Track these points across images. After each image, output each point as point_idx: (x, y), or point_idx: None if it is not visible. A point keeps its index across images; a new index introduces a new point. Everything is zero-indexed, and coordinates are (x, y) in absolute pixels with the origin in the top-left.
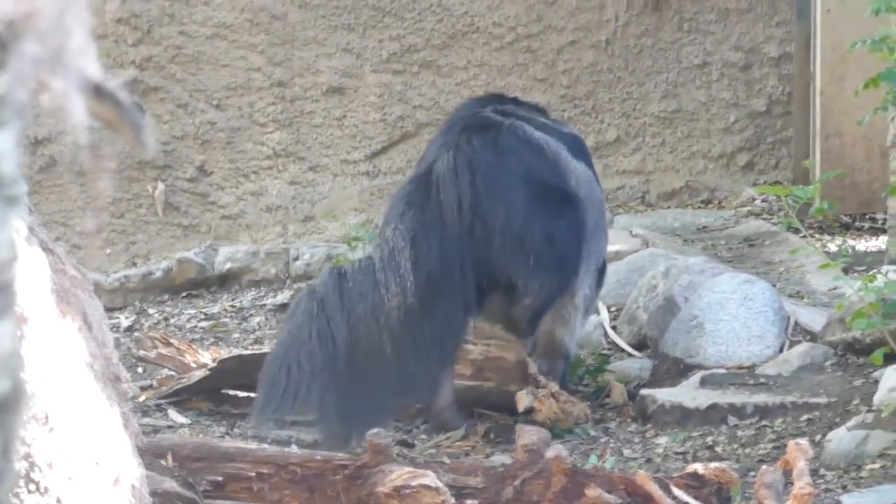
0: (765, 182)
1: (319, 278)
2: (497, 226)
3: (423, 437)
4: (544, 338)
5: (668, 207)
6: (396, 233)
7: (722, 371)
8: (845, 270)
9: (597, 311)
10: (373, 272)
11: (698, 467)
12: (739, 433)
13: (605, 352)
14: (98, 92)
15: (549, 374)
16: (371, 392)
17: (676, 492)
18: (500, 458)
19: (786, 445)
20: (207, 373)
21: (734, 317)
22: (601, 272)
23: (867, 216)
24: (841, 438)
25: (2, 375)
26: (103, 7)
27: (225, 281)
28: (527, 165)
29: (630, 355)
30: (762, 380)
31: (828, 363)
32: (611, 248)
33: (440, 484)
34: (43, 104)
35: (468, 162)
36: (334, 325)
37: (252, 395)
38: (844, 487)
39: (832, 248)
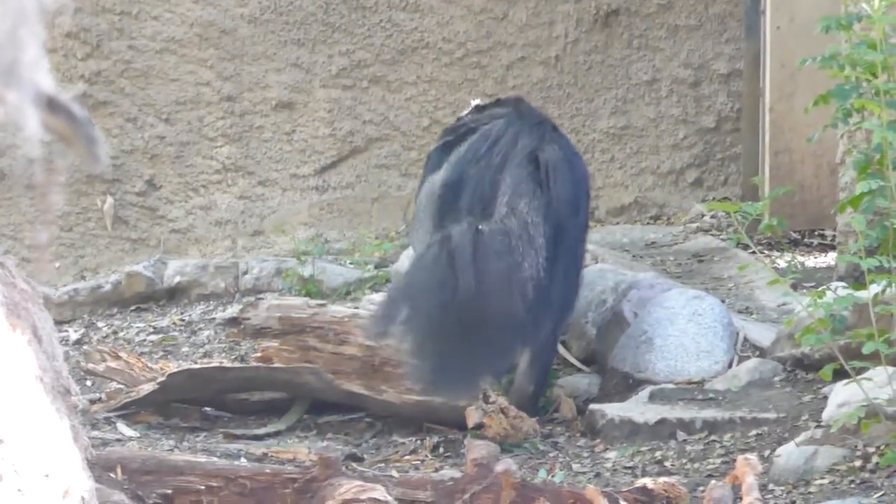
0: (714, 198)
1: (457, 228)
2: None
3: (372, 451)
4: None
5: (618, 223)
6: (530, 208)
7: (671, 386)
8: (794, 286)
9: None
10: (508, 237)
11: (647, 482)
12: (688, 448)
13: (554, 367)
14: (51, 105)
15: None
16: (471, 351)
17: None
18: (450, 473)
19: (735, 460)
20: (156, 386)
21: (683, 332)
22: None
23: (816, 233)
24: (790, 454)
25: None
26: (54, 21)
27: (174, 295)
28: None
29: (579, 370)
30: (711, 395)
31: (777, 379)
32: None
33: (389, 498)
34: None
35: (567, 160)
36: (460, 276)
37: (202, 408)
38: (793, 503)
39: (781, 264)
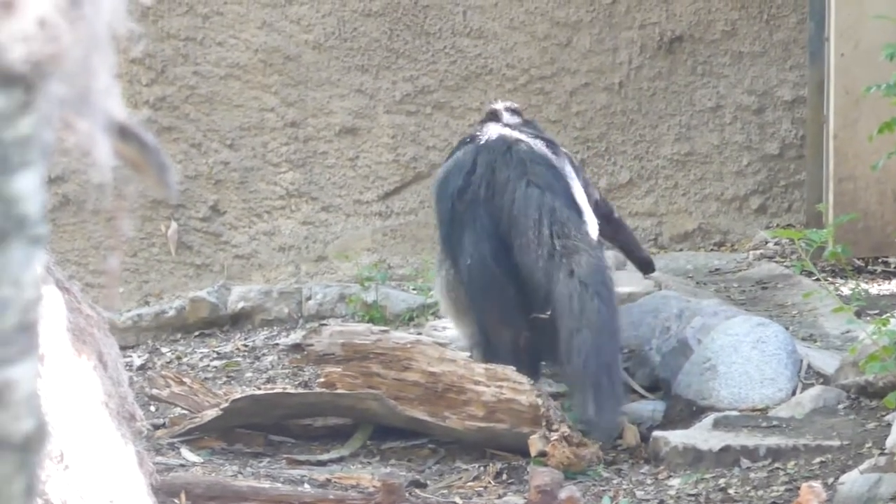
0: (777, 225)
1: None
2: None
3: (436, 477)
4: None
5: (681, 250)
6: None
7: (735, 413)
8: (858, 314)
9: None
10: None
11: None
12: (752, 475)
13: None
14: (123, 132)
15: None
16: None
17: None
18: (513, 499)
19: (798, 488)
20: (220, 412)
21: (747, 359)
22: None
23: (880, 260)
24: (854, 481)
25: (25, 415)
26: (124, 48)
27: (237, 320)
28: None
29: (643, 397)
30: (775, 422)
31: (840, 406)
32: (624, 289)
33: None
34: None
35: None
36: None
37: (265, 434)
38: None
39: (845, 291)
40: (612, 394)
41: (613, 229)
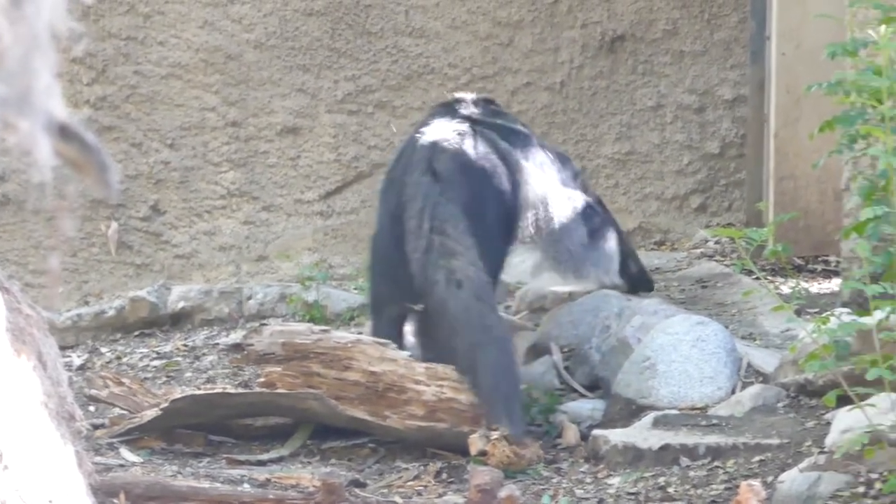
0: (718, 224)
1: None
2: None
3: (376, 476)
4: None
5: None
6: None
7: (674, 412)
8: (798, 312)
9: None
10: None
11: None
12: (692, 474)
13: (557, 392)
14: (64, 132)
15: None
16: None
17: None
18: (453, 499)
19: (738, 486)
20: (159, 412)
21: (687, 358)
22: None
23: (820, 259)
24: (793, 480)
25: None
26: (67, 47)
27: (178, 320)
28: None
29: (582, 396)
30: (715, 421)
31: (780, 405)
32: (564, 288)
33: None
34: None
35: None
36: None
37: (205, 434)
38: None
39: (785, 290)
40: (520, 404)
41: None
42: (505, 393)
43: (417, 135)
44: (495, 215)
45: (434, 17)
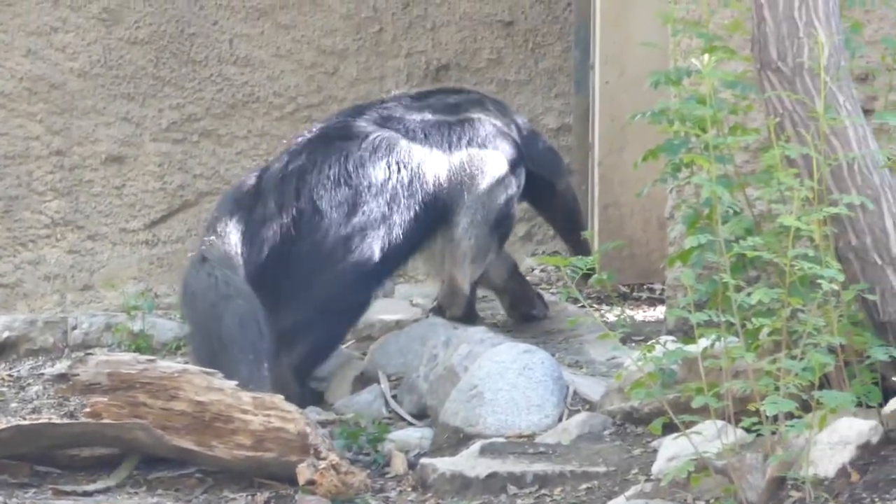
0: (544, 252)
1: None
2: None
3: None
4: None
5: None
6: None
7: (501, 440)
8: (624, 340)
9: (378, 380)
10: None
11: None
12: (519, 502)
13: (385, 421)
14: None
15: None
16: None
17: None
18: None
19: None
20: None
21: (513, 386)
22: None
23: (645, 286)
24: None
25: None
26: None
27: (2, 350)
28: (370, 180)
29: (410, 424)
30: (541, 449)
31: (606, 432)
32: (391, 317)
33: None
34: None
35: (299, 169)
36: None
37: (31, 464)
38: None
39: (611, 318)
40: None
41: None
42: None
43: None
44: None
45: (259, 45)
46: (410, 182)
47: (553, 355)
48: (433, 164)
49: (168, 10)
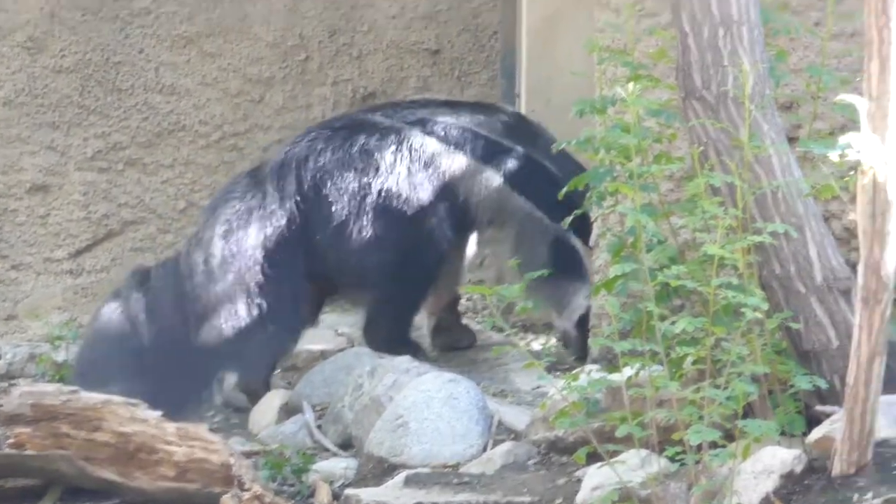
0: (470, 281)
1: (125, 281)
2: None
3: None
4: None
5: None
6: (208, 223)
7: (426, 470)
8: (549, 369)
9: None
10: (176, 265)
11: None
12: None
13: (310, 451)
14: None
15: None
16: (182, 375)
17: None
18: None
19: None
20: None
21: (439, 416)
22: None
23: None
24: None
25: None
26: None
27: None
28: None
29: (335, 454)
30: (466, 479)
31: (531, 462)
32: (316, 347)
33: None
34: None
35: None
36: (138, 323)
37: None
38: None
39: (536, 346)
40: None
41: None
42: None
43: None
44: None
45: (184, 74)
46: None
47: (478, 384)
48: None
49: (93, 39)
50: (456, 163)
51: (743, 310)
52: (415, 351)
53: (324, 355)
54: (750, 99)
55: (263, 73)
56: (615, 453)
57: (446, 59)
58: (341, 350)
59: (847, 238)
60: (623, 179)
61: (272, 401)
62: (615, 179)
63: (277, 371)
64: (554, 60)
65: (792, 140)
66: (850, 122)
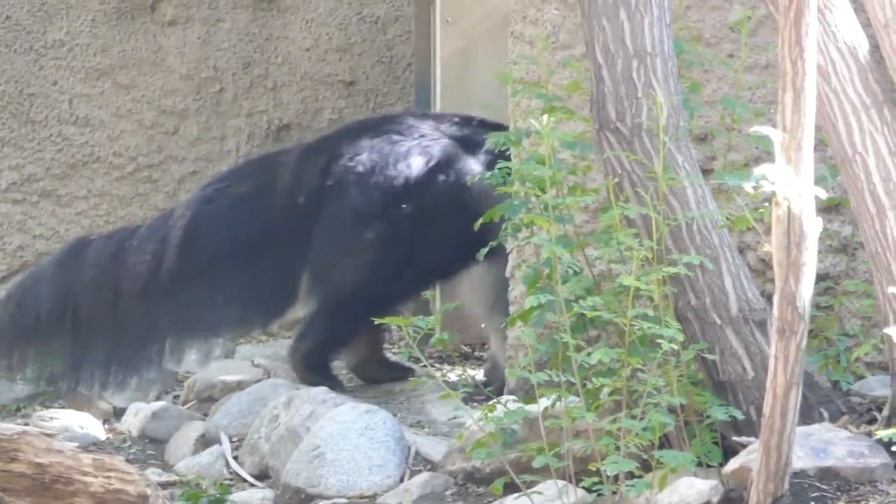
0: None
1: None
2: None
3: None
4: None
5: (289, 337)
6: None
7: (343, 501)
8: (465, 400)
9: (219, 441)
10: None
11: None
12: None
13: (226, 482)
14: None
15: None
16: (104, 350)
17: None
18: None
19: None
20: None
21: (355, 446)
22: None
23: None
24: None
25: None
26: None
27: None
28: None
29: (252, 485)
30: None
31: (448, 493)
32: (232, 377)
33: None
34: None
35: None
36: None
37: None
38: None
39: (452, 377)
40: None
41: None
42: None
43: None
44: None
45: (98, 105)
46: None
47: (395, 415)
48: None
49: (7, 71)
50: None
51: (659, 341)
52: (332, 382)
53: (240, 386)
54: (664, 131)
55: (178, 104)
56: (532, 484)
57: (361, 90)
58: (258, 381)
59: (762, 269)
60: (538, 211)
61: (188, 432)
62: (530, 211)
63: (193, 401)
64: (468, 92)
65: (706, 172)
66: (764, 154)
